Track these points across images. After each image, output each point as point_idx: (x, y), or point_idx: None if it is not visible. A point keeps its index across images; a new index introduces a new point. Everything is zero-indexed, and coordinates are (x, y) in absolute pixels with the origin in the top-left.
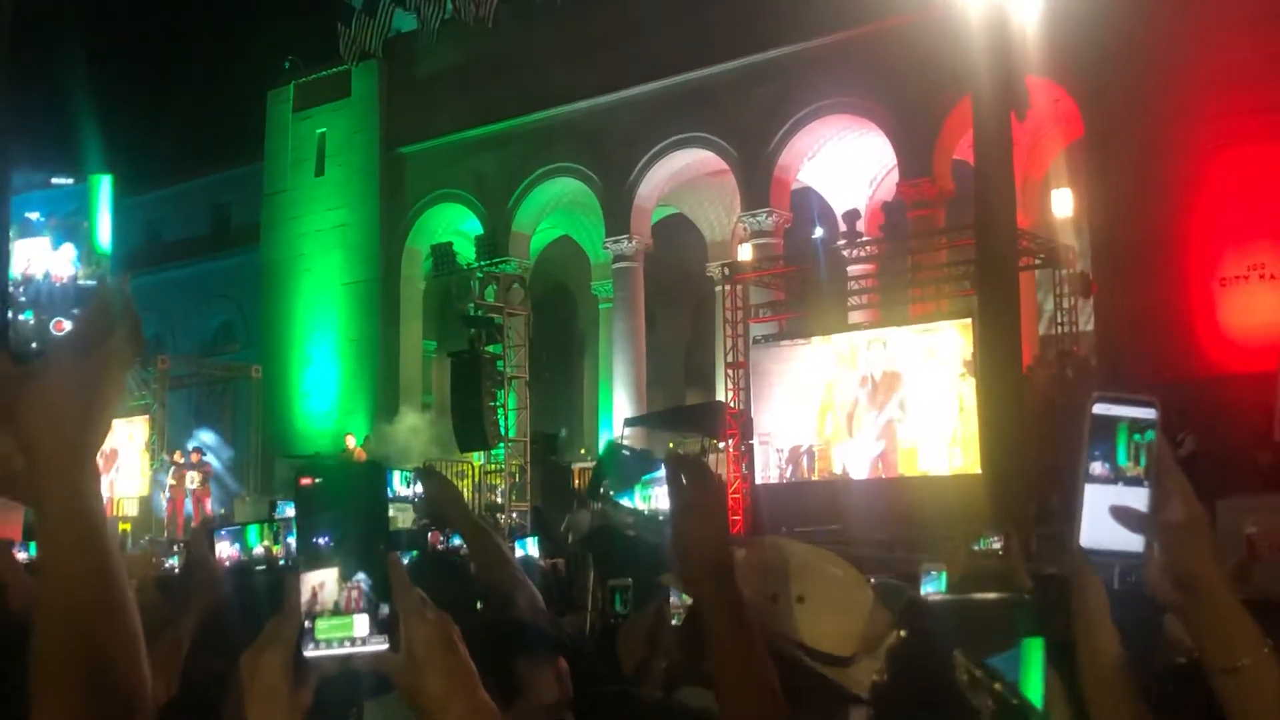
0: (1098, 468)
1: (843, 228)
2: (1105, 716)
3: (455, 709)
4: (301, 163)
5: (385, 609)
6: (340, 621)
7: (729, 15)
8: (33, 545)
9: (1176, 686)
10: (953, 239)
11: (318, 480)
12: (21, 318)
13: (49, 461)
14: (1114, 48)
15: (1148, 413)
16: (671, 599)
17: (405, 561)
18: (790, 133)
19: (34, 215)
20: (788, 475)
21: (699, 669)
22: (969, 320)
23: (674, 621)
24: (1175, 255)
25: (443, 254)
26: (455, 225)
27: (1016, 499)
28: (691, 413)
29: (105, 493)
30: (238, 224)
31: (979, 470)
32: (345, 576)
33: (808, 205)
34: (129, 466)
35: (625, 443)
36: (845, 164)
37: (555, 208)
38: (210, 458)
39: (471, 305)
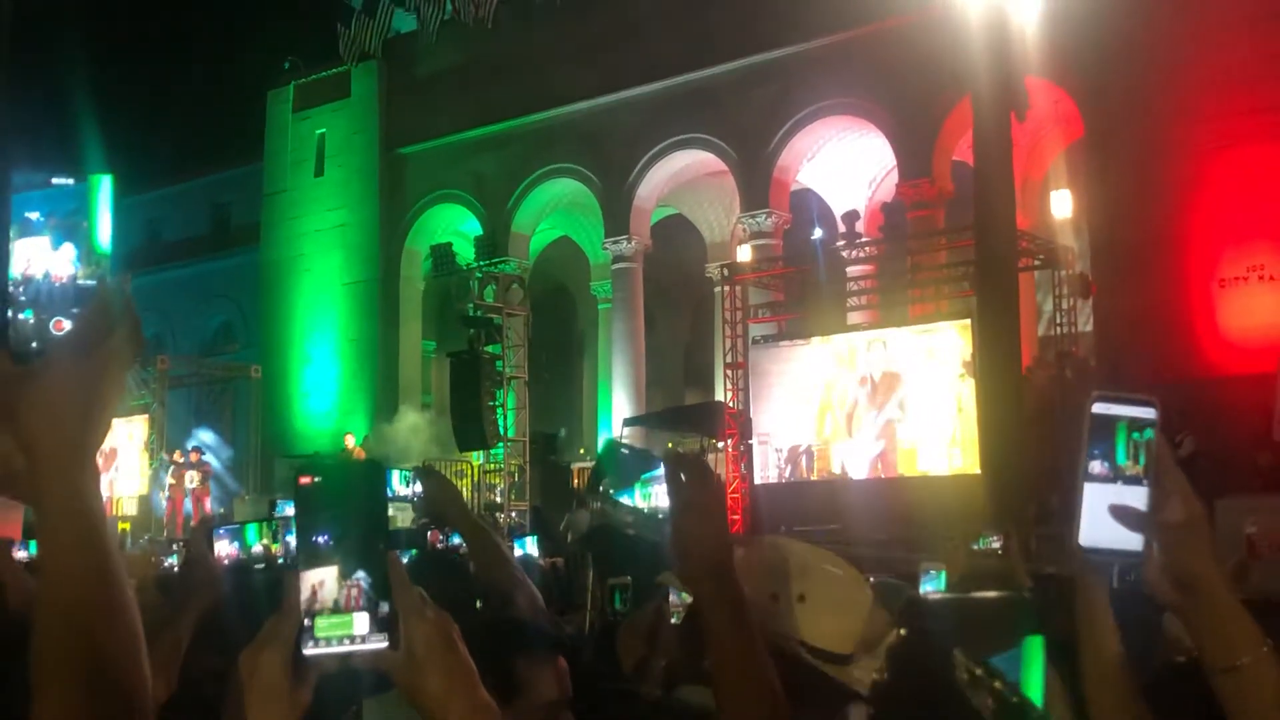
0: (1097, 467)
1: (842, 228)
2: (1106, 716)
3: (455, 707)
4: (301, 163)
5: (385, 607)
6: (340, 620)
7: (728, 16)
8: (33, 544)
9: (1176, 685)
10: (952, 240)
11: (317, 479)
12: (21, 317)
13: (49, 461)
14: (1114, 48)
15: (1147, 412)
16: (671, 597)
17: (404, 560)
18: (790, 133)
19: (34, 215)
20: (786, 475)
21: (698, 667)
22: (968, 321)
23: (673, 620)
24: (1175, 256)
25: (442, 254)
26: (455, 226)
27: (1015, 499)
28: (691, 413)
29: (105, 492)
30: (237, 224)
31: (978, 470)
32: (345, 575)
33: (807, 206)
34: (128, 466)
35: (624, 442)
36: (845, 165)
37: (555, 208)
38: (210, 457)
39: (471, 305)
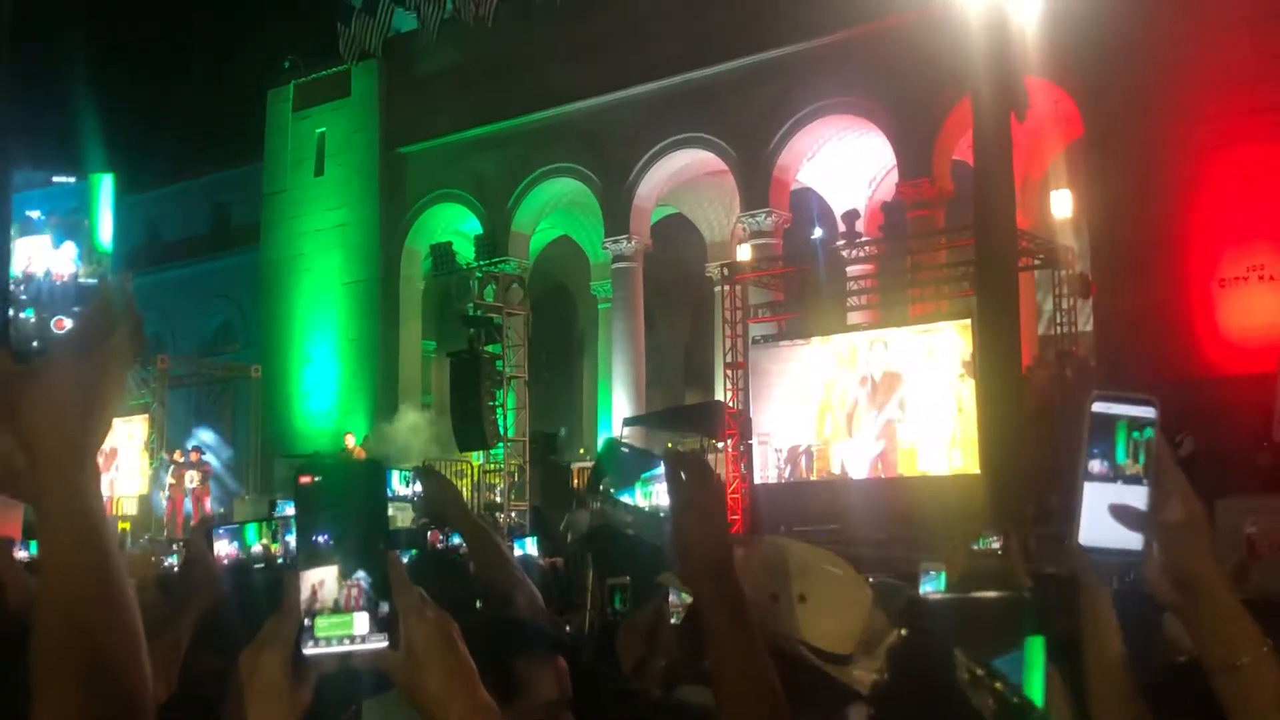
0: (1097, 466)
1: (842, 228)
2: (1109, 717)
3: (455, 707)
4: (301, 162)
5: (385, 607)
6: (340, 619)
7: (728, 15)
8: (33, 544)
9: (1176, 685)
10: (952, 239)
11: (317, 478)
12: (23, 316)
13: (49, 460)
14: (1113, 48)
15: (1147, 411)
16: (670, 597)
17: (404, 560)
18: (790, 133)
19: (35, 213)
20: (786, 475)
21: (698, 667)
22: (968, 321)
23: (673, 620)
24: (1174, 256)
25: (442, 254)
26: (455, 225)
27: (1015, 499)
28: (690, 412)
29: (105, 492)
30: (237, 223)
31: (978, 470)
32: (345, 574)
33: (807, 205)
34: (128, 465)
35: (624, 441)
36: (845, 164)
37: (554, 208)
38: (210, 457)
39: (471, 305)
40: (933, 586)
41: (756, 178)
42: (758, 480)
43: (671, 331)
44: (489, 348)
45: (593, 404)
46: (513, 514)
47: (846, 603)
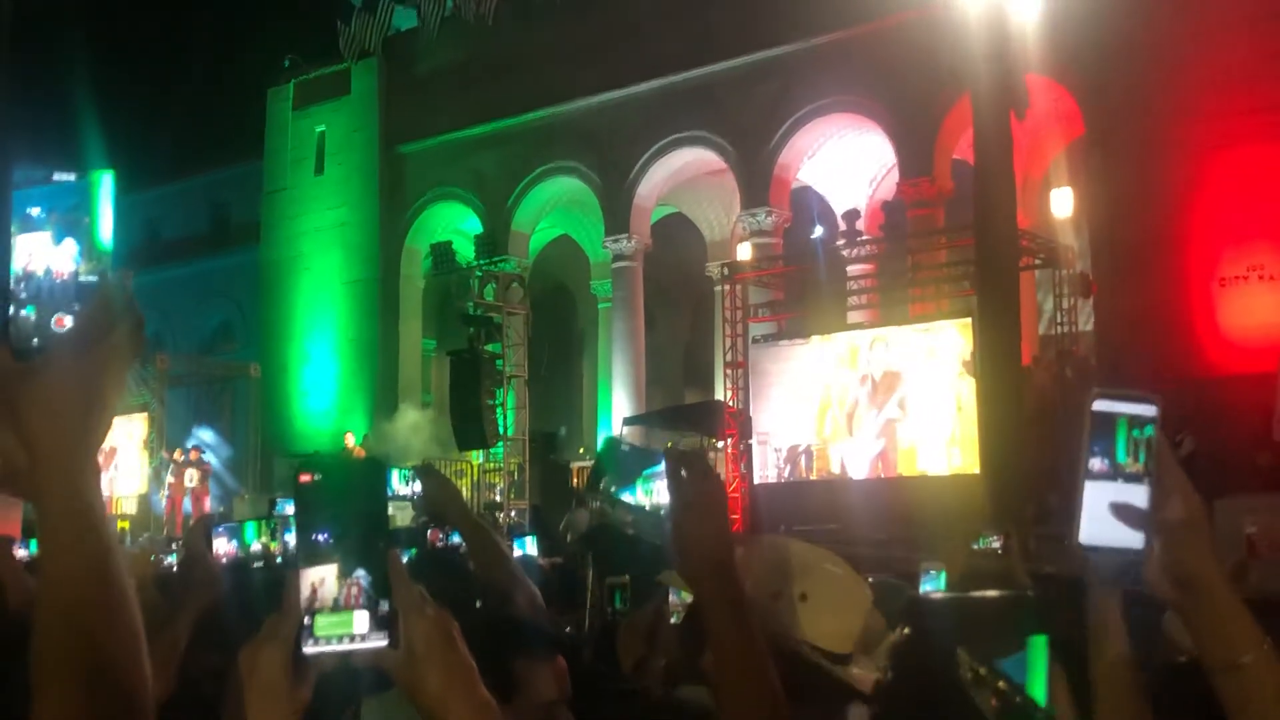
0: (1097, 464)
1: (842, 227)
2: (1115, 718)
3: (455, 705)
4: (301, 161)
5: (385, 605)
6: (340, 618)
7: (728, 14)
8: (33, 542)
9: (1176, 686)
10: (952, 239)
11: (317, 477)
12: (23, 313)
13: (49, 458)
14: (1114, 47)
15: (1148, 409)
16: (670, 597)
17: (404, 559)
18: (790, 132)
19: (35, 210)
20: (786, 475)
21: (698, 667)
22: (968, 320)
23: (673, 619)
24: (1175, 255)
25: (442, 253)
26: (455, 224)
27: (1015, 499)
28: (690, 412)
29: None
30: (237, 222)
31: (977, 470)
32: (345, 573)
33: (807, 204)
34: (128, 464)
35: (624, 439)
36: (845, 163)
37: (554, 207)
38: (209, 456)
39: (471, 304)
40: (933, 586)
41: (757, 177)
42: (757, 480)
43: (671, 331)
44: (489, 347)
45: (593, 403)
46: (512, 513)
47: (847, 602)
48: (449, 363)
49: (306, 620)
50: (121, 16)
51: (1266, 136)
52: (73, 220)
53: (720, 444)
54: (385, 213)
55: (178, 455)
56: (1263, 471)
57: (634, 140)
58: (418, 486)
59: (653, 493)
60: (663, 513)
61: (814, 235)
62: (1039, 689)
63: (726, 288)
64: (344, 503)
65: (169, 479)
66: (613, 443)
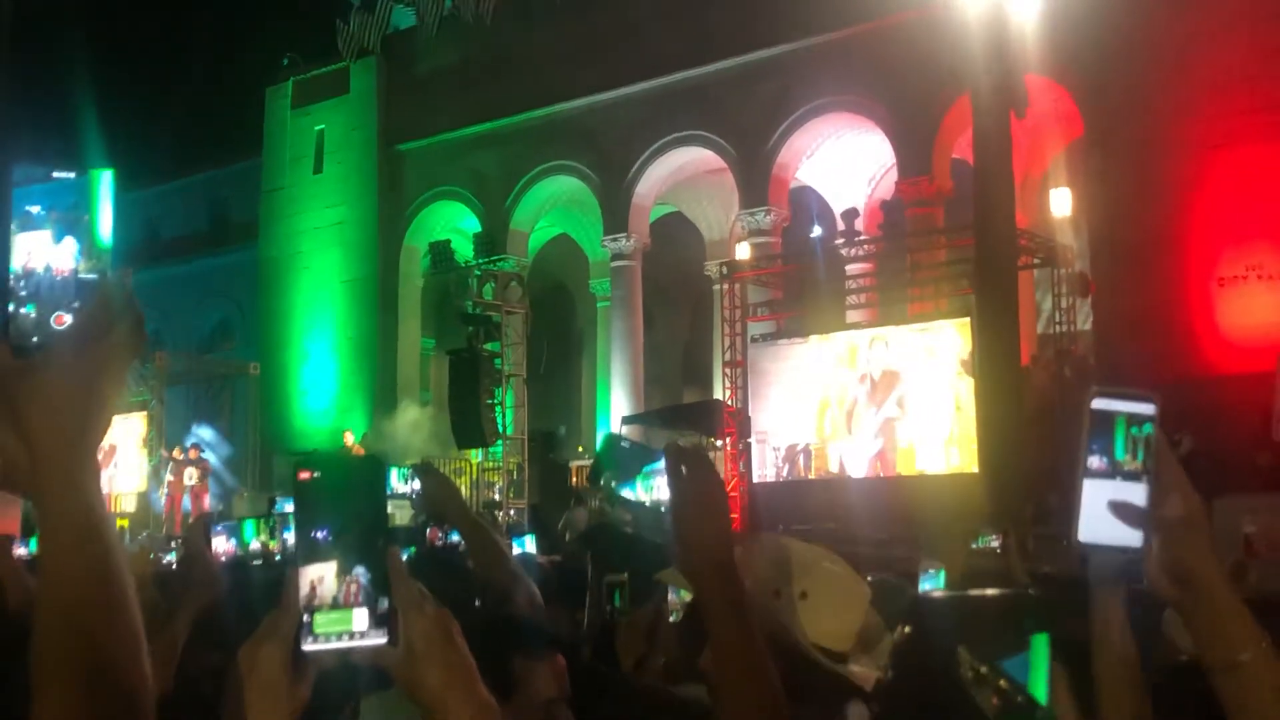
0: (1096, 462)
1: (841, 226)
2: (1116, 716)
3: (454, 703)
4: (300, 160)
5: (384, 603)
6: (339, 615)
7: (728, 13)
8: (32, 541)
9: (1175, 685)
10: (951, 238)
11: (316, 474)
12: (23, 311)
13: (49, 456)
14: (1113, 47)
15: (1146, 407)
16: (670, 596)
17: (403, 558)
18: (789, 131)
19: (35, 209)
20: (784, 474)
21: (698, 665)
22: (967, 319)
23: (672, 618)
24: (1174, 255)
25: (441, 251)
26: (453, 223)
27: (1014, 498)
28: (689, 411)
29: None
30: (236, 221)
31: (975, 469)
32: (344, 570)
33: (806, 204)
34: (127, 463)
35: (623, 435)
36: (844, 162)
37: (553, 206)
38: (208, 454)
39: (469, 303)
40: (932, 585)
41: (755, 176)
42: (755, 479)
43: (670, 330)
44: (488, 346)
45: (591, 402)
46: (511, 512)
47: (846, 600)
48: (448, 361)
49: (306, 618)
50: (121, 16)
51: (1266, 136)
52: (72, 218)
53: (719, 443)
54: (384, 211)
55: (177, 453)
56: (1261, 471)
57: (633, 139)
58: (417, 485)
59: (653, 489)
60: (663, 509)
61: (813, 234)
62: (1040, 688)
63: (725, 287)
64: (343, 500)
65: (168, 477)
66: (613, 439)
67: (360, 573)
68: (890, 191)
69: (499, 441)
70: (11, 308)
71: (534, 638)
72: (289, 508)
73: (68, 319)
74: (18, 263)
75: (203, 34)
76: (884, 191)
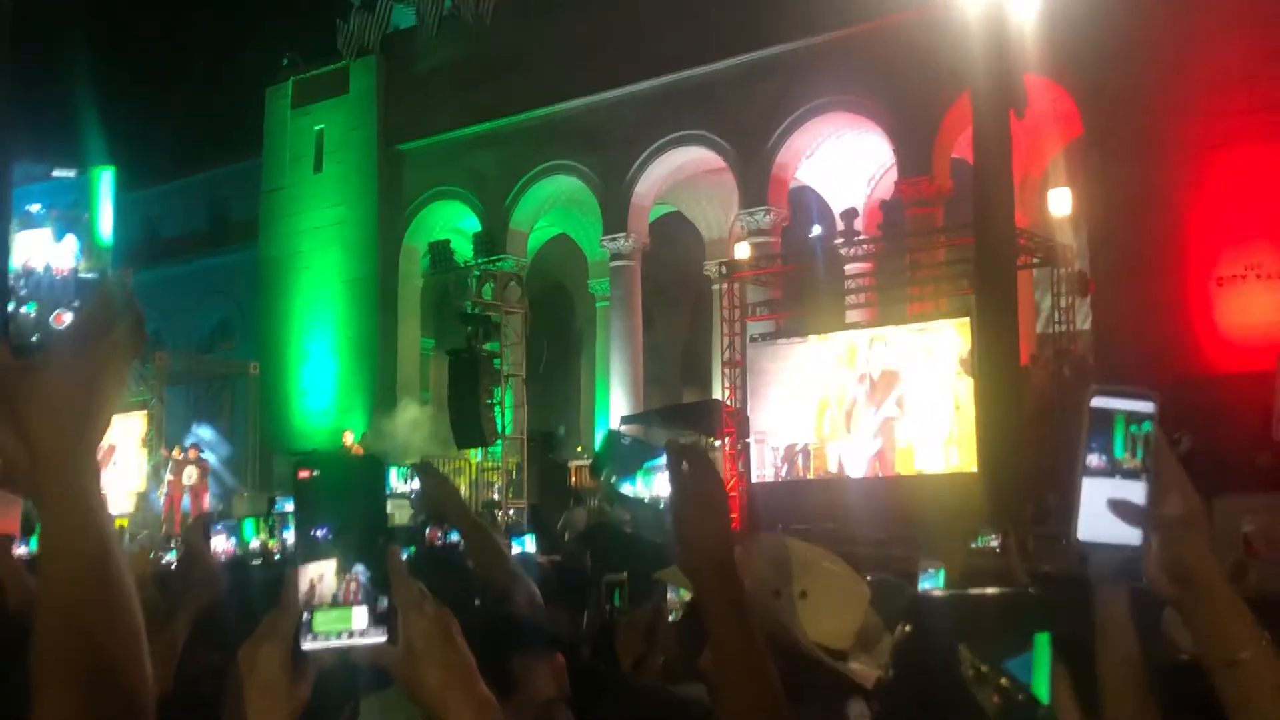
0: (1095, 460)
1: (841, 226)
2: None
3: (454, 703)
4: (300, 159)
5: (384, 601)
6: (339, 614)
7: (727, 13)
8: (33, 541)
9: (1175, 685)
10: (951, 237)
11: (316, 473)
12: (24, 310)
13: (49, 456)
14: (1113, 47)
15: (1146, 405)
16: (669, 595)
17: (403, 557)
18: (788, 130)
19: (35, 207)
20: (783, 474)
21: (697, 665)
22: (965, 319)
23: (671, 617)
24: (1173, 254)
25: (440, 251)
26: (453, 222)
27: (1013, 498)
28: (688, 411)
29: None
30: (236, 220)
31: (974, 469)
32: (343, 568)
33: (806, 203)
34: (127, 462)
35: (624, 431)
36: (843, 162)
37: (553, 205)
38: (208, 454)
39: (469, 303)
40: (931, 584)
41: (755, 175)
42: (754, 479)
43: (669, 330)
44: (487, 345)
45: (590, 402)
46: (510, 512)
47: (846, 599)
48: (447, 361)
49: (305, 616)
50: (121, 15)
51: (1265, 136)
52: (73, 217)
53: (718, 443)
54: (384, 211)
55: (176, 453)
56: (1261, 471)
57: (632, 139)
58: (416, 484)
59: (653, 484)
60: (662, 505)
61: (812, 234)
62: (1042, 687)
63: (724, 287)
64: (343, 499)
65: (168, 477)
66: (614, 434)
67: (359, 571)
68: (890, 191)
69: (498, 441)
70: (11, 307)
71: (533, 637)
72: (289, 507)
73: (68, 318)
74: (18, 261)
75: (203, 33)
76: (883, 191)
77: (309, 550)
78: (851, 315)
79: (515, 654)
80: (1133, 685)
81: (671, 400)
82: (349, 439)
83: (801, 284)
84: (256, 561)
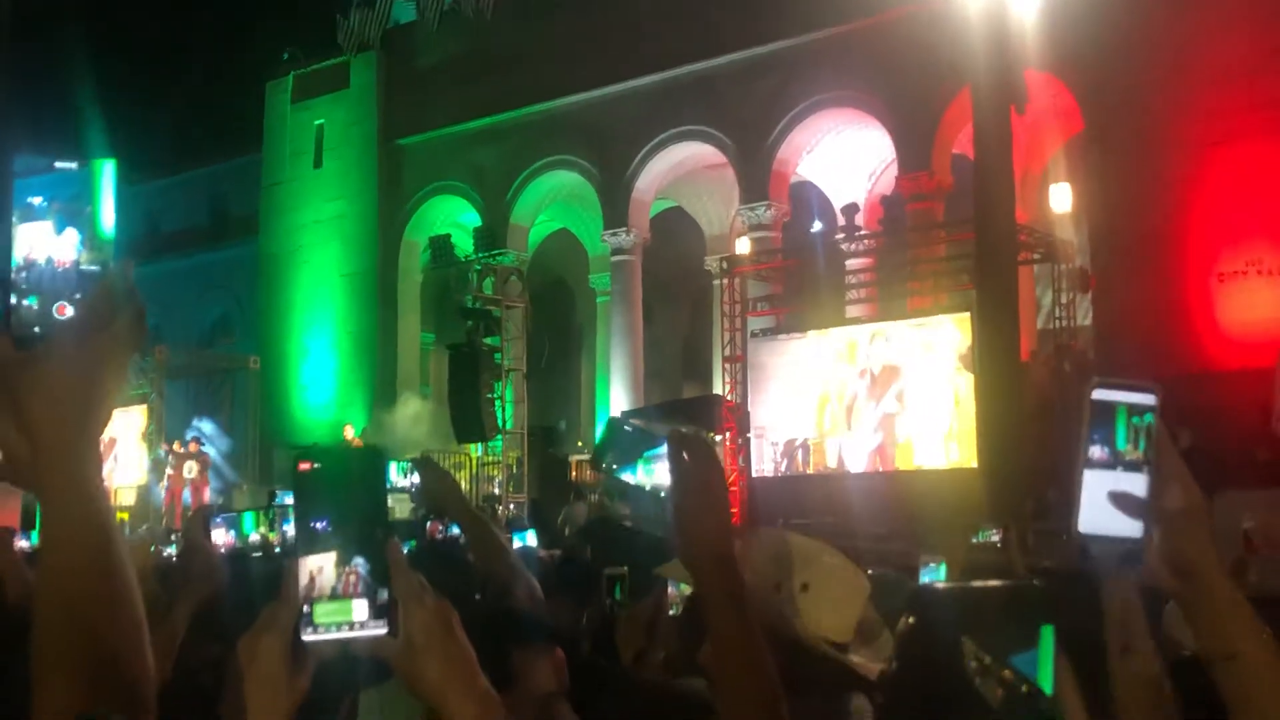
0: (1097, 452)
1: (841, 221)
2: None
3: (454, 696)
4: (300, 154)
5: (384, 594)
6: (339, 606)
7: (728, 8)
8: (34, 534)
9: (1177, 680)
10: (951, 233)
11: (316, 465)
12: (25, 303)
13: (50, 447)
14: (1113, 43)
15: (1147, 398)
16: (670, 590)
17: (404, 551)
18: (789, 126)
19: (37, 200)
20: (783, 469)
21: (697, 659)
22: (966, 314)
23: (672, 612)
24: (1173, 250)
25: (441, 246)
26: (453, 217)
27: (1013, 493)
28: (689, 406)
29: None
30: (236, 215)
31: (974, 464)
32: (343, 561)
33: (806, 199)
34: (127, 456)
35: (627, 418)
36: (844, 157)
37: (553, 200)
38: (208, 447)
39: (469, 297)
40: (933, 579)
41: (756, 171)
42: (755, 474)
43: (670, 325)
44: (487, 340)
45: (591, 397)
46: (511, 506)
47: (846, 592)
48: (447, 356)
49: (305, 609)
50: (123, 8)
51: (1265, 132)
52: (74, 209)
53: (718, 438)
54: (384, 206)
55: (177, 447)
56: (1261, 467)
57: (633, 134)
58: (416, 479)
59: (653, 473)
60: (662, 494)
61: (813, 229)
62: (1046, 679)
63: (725, 282)
64: (343, 490)
65: (168, 471)
66: (615, 421)
67: (359, 563)
68: (890, 186)
69: (499, 436)
70: (13, 299)
71: (533, 631)
72: (289, 500)
73: (69, 310)
74: (19, 254)
75: (204, 28)
76: (884, 186)
77: (309, 542)
78: (852, 310)
79: (515, 648)
80: (1147, 680)
81: (672, 395)
82: (349, 433)
83: (802, 279)
84: (257, 554)
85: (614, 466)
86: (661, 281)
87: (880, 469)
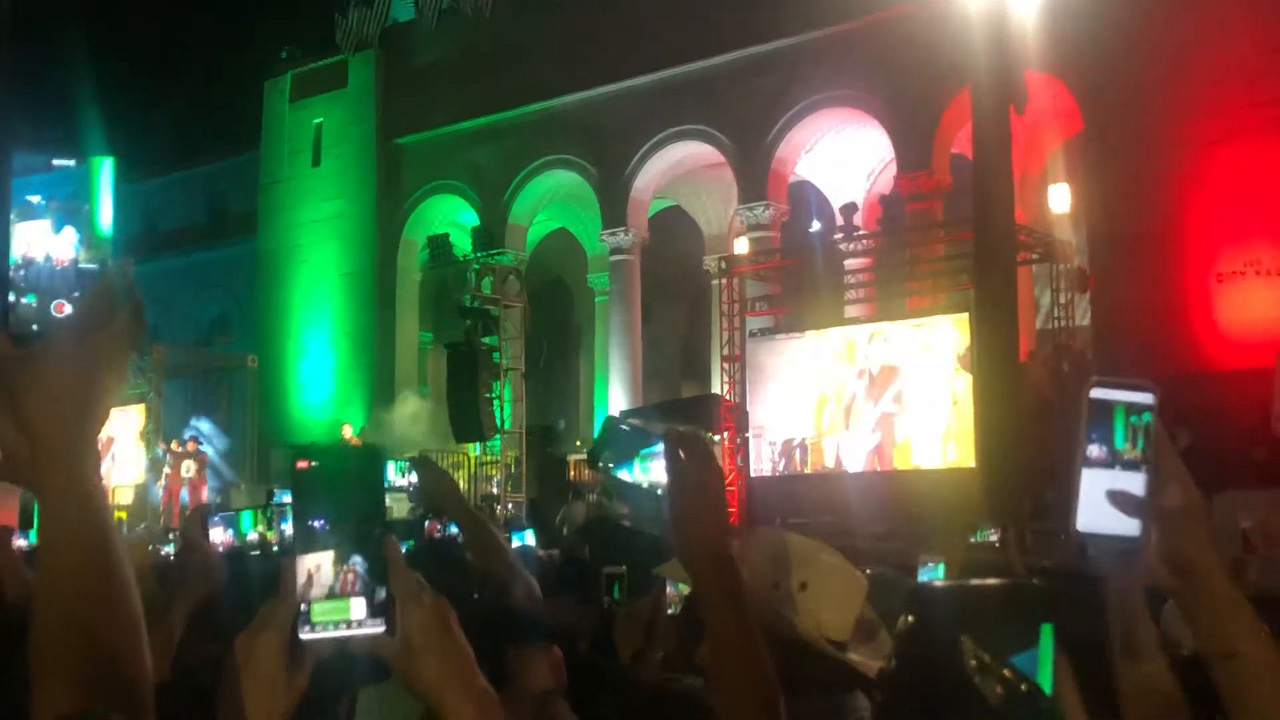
0: (1095, 451)
1: (840, 221)
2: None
3: (452, 694)
4: (298, 153)
5: (382, 592)
6: (336, 604)
7: (727, 7)
8: (32, 533)
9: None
10: (950, 232)
11: (314, 463)
12: (24, 301)
13: (49, 445)
14: (1113, 43)
15: (1145, 397)
16: (668, 589)
17: (402, 549)
18: (788, 125)
19: (35, 198)
20: (781, 469)
21: (696, 658)
22: (964, 314)
23: (670, 611)
24: (1173, 250)
25: (439, 245)
26: (452, 216)
27: (1011, 493)
28: (687, 405)
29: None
30: (235, 214)
31: (972, 464)
32: (341, 559)
33: (805, 198)
34: (125, 455)
35: (624, 416)
36: (843, 157)
37: (552, 200)
38: (206, 446)
39: (467, 296)
40: (931, 578)
41: (754, 170)
42: (753, 474)
43: (668, 324)
44: (486, 339)
45: (589, 397)
46: (509, 506)
47: (845, 591)
48: (446, 355)
49: (303, 607)
50: (121, 6)
51: (1265, 132)
52: (72, 207)
53: (717, 438)
54: (382, 205)
55: (175, 446)
56: (1259, 467)
57: (631, 134)
58: (414, 478)
59: (650, 471)
60: (659, 492)
61: (811, 229)
62: (1046, 678)
63: (724, 281)
64: (341, 488)
65: (166, 470)
66: (612, 420)
67: (357, 562)
68: (889, 186)
69: (497, 435)
70: (12, 297)
71: (531, 630)
72: (286, 499)
73: (68, 308)
74: (17, 253)
75: (202, 27)
76: (883, 186)
77: (307, 541)
78: (850, 310)
79: (513, 646)
80: (1155, 680)
81: (670, 395)
82: (348, 432)
83: (800, 279)
84: (255, 553)
85: (610, 464)
86: (660, 281)
87: (878, 469)
